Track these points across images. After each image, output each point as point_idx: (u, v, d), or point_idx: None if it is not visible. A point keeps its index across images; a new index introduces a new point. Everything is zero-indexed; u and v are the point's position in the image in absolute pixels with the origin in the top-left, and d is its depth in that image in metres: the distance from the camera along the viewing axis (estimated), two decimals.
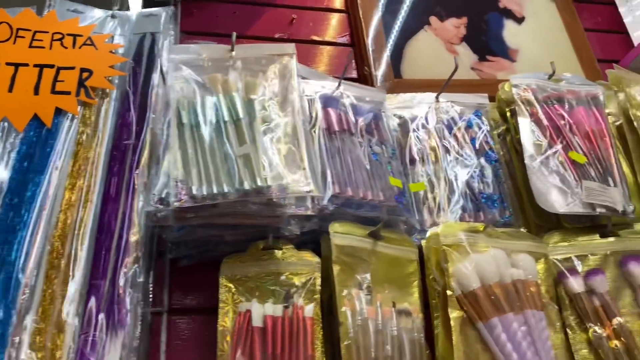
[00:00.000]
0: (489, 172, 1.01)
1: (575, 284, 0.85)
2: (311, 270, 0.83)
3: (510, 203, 0.98)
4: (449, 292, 0.81)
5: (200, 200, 0.78)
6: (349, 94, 1.03)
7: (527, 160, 0.93)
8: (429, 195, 0.98)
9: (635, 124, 1.00)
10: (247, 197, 0.79)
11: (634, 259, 0.86)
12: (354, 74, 1.23)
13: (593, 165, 0.93)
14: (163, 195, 0.79)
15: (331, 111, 0.97)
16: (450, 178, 1.00)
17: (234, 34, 0.94)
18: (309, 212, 0.84)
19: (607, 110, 1.08)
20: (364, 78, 1.21)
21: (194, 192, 0.78)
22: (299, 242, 0.91)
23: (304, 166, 0.83)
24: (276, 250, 0.85)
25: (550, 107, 1.00)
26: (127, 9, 1.16)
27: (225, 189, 0.78)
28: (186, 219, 0.81)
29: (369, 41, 1.23)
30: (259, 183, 0.79)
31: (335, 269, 0.81)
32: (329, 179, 0.88)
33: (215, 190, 0.78)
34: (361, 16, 1.27)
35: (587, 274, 0.86)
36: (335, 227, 0.84)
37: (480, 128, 1.06)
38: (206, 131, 0.84)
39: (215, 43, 1.03)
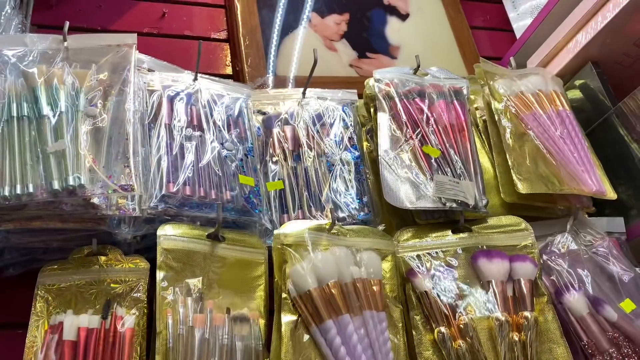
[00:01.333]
0: (351, 168, 0.97)
1: (423, 282, 0.81)
2: (138, 277, 0.77)
3: (370, 200, 0.95)
4: (283, 295, 0.76)
5: (0, 202, 0.70)
6: (209, 89, 0.98)
7: (381, 154, 0.90)
8: (287, 194, 0.93)
9: (495, 116, 0.98)
10: (57, 197, 0.72)
11: (484, 255, 0.84)
12: (229, 72, 1.19)
13: (448, 159, 0.90)
14: None
15: (179, 106, 0.91)
16: (312, 175, 0.95)
17: (67, 22, 0.87)
18: (136, 214, 0.77)
19: (475, 105, 1.07)
20: (237, 75, 1.16)
21: None
22: (141, 248, 0.85)
23: (128, 164, 0.76)
24: (100, 257, 0.77)
25: (410, 101, 0.97)
26: None
27: (31, 189, 0.71)
28: None
29: (244, 37, 1.18)
30: (71, 182, 0.72)
31: (159, 274, 0.74)
32: (164, 177, 0.81)
33: (19, 190, 0.71)
34: (237, 11, 1.22)
35: (435, 272, 0.82)
36: (165, 229, 0.78)
37: (345, 124, 1.02)
38: (19, 127, 0.76)
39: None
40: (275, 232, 0.83)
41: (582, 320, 0.81)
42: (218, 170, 0.87)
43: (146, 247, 0.85)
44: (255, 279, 0.82)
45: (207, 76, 1.00)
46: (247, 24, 1.21)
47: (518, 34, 1.41)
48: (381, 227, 0.92)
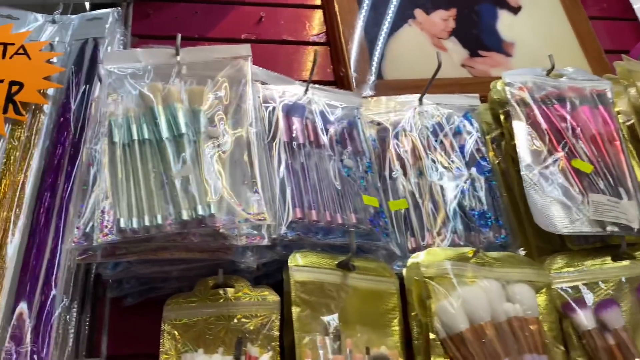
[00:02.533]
0: (481, 184, 0.88)
1: (585, 319, 0.71)
2: (269, 312, 0.70)
3: (507, 221, 0.85)
4: (431, 336, 0.67)
5: (129, 235, 0.65)
6: (319, 99, 0.90)
7: (523, 171, 0.80)
8: (412, 215, 0.85)
9: None
10: (186, 228, 0.66)
11: None
12: (331, 77, 1.11)
13: (601, 174, 0.80)
14: (88, 230, 0.66)
15: (295, 120, 0.84)
16: (437, 193, 0.86)
17: (179, 35, 0.81)
18: (264, 243, 0.71)
19: (616, 109, 0.94)
20: (341, 81, 1.09)
21: (122, 225, 0.65)
22: (260, 275, 0.79)
23: (256, 189, 0.70)
24: (228, 289, 0.72)
25: (549, 108, 0.86)
26: (76, 12, 1.04)
27: (160, 220, 0.66)
28: (116, 256, 0.68)
29: (346, 39, 1.10)
30: (200, 212, 0.66)
31: (295, 311, 0.68)
32: (289, 201, 0.75)
33: (147, 222, 0.66)
34: (337, 12, 1.14)
35: (599, 306, 0.72)
36: (295, 260, 0.71)
37: (470, 133, 0.92)
38: (141, 151, 0.71)
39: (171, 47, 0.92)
40: (411, 261, 0.75)
41: None
42: (341, 190, 0.80)
43: (265, 274, 0.79)
44: (389, 312, 0.75)
45: (317, 86, 0.93)
46: (348, 25, 1.13)
47: None
48: (521, 252, 0.82)
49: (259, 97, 0.85)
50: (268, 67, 0.93)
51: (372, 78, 1.07)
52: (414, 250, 0.81)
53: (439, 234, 0.83)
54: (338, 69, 1.10)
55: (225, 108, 0.78)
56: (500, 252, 0.77)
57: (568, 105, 0.86)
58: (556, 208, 0.77)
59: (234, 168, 0.73)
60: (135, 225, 0.65)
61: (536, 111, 0.86)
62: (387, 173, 0.89)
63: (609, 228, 0.75)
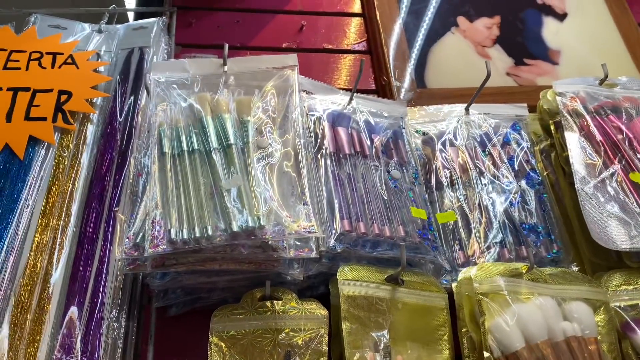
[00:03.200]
0: (531, 197, 0.85)
1: None
2: (318, 326, 0.69)
3: (559, 235, 0.82)
4: (486, 354, 0.65)
5: (180, 246, 0.65)
6: (364, 109, 0.89)
7: (578, 185, 0.77)
8: (461, 227, 0.83)
9: None
10: (236, 239, 0.66)
11: None
12: (372, 85, 1.10)
13: None
14: (138, 240, 0.66)
15: (341, 131, 0.83)
16: (486, 205, 0.84)
17: (226, 45, 0.81)
18: (314, 255, 0.70)
19: None
20: (383, 89, 1.08)
21: (172, 235, 0.65)
22: (304, 287, 0.78)
23: (305, 200, 0.69)
24: (275, 301, 0.71)
25: (603, 119, 0.83)
26: (119, 22, 1.05)
27: (210, 232, 0.65)
28: (166, 266, 0.68)
29: (388, 47, 1.09)
30: (250, 223, 0.65)
31: (345, 327, 0.66)
32: (337, 213, 0.74)
33: (197, 234, 0.65)
34: (379, 19, 1.13)
35: None
36: (345, 273, 0.70)
37: (519, 144, 0.90)
38: (190, 161, 0.71)
39: (216, 57, 0.92)
40: (462, 276, 0.73)
41: None
42: (388, 201, 0.79)
43: (309, 286, 0.78)
44: (438, 328, 0.73)
45: (361, 95, 0.91)
46: (390, 32, 1.12)
47: None
48: (574, 268, 0.80)
49: (304, 106, 0.84)
50: (309, 76, 0.92)
51: (415, 87, 1.05)
52: (463, 265, 0.79)
53: (488, 248, 0.81)
54: (380, 77, 1.09)
55: (273, 118, 0.77)
56: (555, 268, 0.75)
57: (624, 116, 0.83)
58: (614, 223, 0.74)
59: (282, 179, 0.72)
60: (185, 236, 0.65)
61: (590, 122, 0.83)
62: (433, 184, 0.87)
63: None
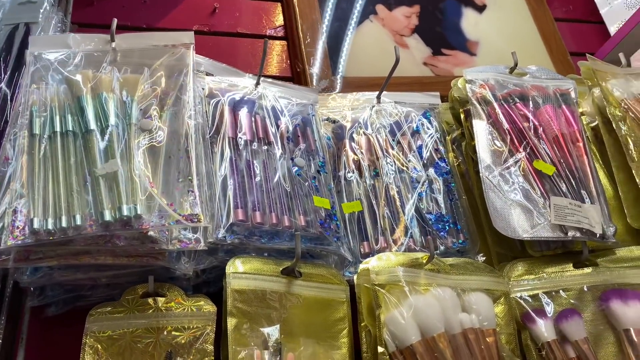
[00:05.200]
0: (439, 187, 0.83)
1: (544, 330, 0.67)
2: (204, 324, 0.64)
3: (466, 225, 0.80)
4: (379, 349, 0.62)
5: (43, 237, 0.58)
6: (272, 94, 0.84)
7: (483, 173, 0.75)
8: (367, 217, 0.80)
9: (614, 124, 0.82)
10: (108, 230, 0.59)
11: (618, 295, 0.69)
12: (288, 73, 1.06)
13: (564, 177, 0.75)
14: None
15: (243, 115, 0.78)
16: (393, 195, 0.81)
17: (114, 20, 0.75)
18: (201, 247, 0.64)
19: (580, 110, 0.91)
20: (298, 77, 1.03)
21: (35, 225, 0.58)
22: (201, 283, 0.72)
23: (192, 187, 0.64)
24: (159, 298, 0.65)
25: (511, 107, 0.82)
26: None
27: (79, 221, 0.59)
28: (31, 260, 0.61)
29: (304, 34, 1.05)
30: (125, 212, 0.59)
31: (230, 323, 0.61)
32: (231, 201, 0.68)
33: (64, 223, 0.59)
34: (296, 5, 1.09)
35: (559, 316, 0.68)
36: (235, 266, 0.65)
37: (429, 133, 0.88)
38: (63, 144, 0.64)
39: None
40: (362, 266, 0.69)
41: None
42: (290, 190, 0.74)
43: (206, 282, 0.73)
44: (337, 322, 0.69)
45: (269, 80, 0.87)
46: (308, 19, 1.07)
47: (610, 23, 1.24)
48: (480, 258, 0.78)
49: (203, 88, 0.79)
50: (222, 61, 0.87)
51: (330, 74, 1.02)
52: (366, 255, 0.76)
53: (394, 238, 0.78)
54: (295, 64, 1.05)
55: (162, 99, 0.71)
56: (457, 258, 0.72)
57: (531, 104, 0.82)
58: (516, 212, 0.72)
59: (168, 165, 0.66)
60: (50, 226, 0.58)
61: (497, 110, 0.81)
62: (342, 173, 0.84)
63: (570, 233, 0.71)
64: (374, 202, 0.80)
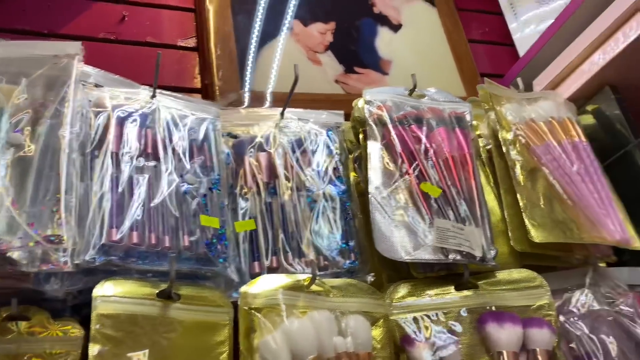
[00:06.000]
0: (335, 205, 0.83)
1: (421, 354, 0.67)
2: (68, 349, 0.61)
3: (358, 245, 0.80)
4: None
5: None
6: (169, 108, 0.82)
7: (371, 193, 0.76)
8: (261, 236, 0.78)
9: (504, 148, 0.85)
10: None
11: (494, 318, 0.70)
12: (198, 85, 1.04)
13: (450, 199, 0.77)
14: None
15: (130, 129, 0.76)
16: (289, 213, 0.81)
17: None
18: (68, 269, 0.62)
19: (478, 132, 0.93)
20: (206, 90, 1.02)
21: None
22: (81, 304, 0.69)
23: (58, 206, 0.61)
24: (22, 322, 0.62)
25: (405, 128, 0.83)
26: None
27: None
28: None
29: (215, 45, 1.03)
30: None
31: (93, 349, 0.59)
32: (106, 221, 0.66)
33: None
34: (209, 16, 1.07)
35: (436, 340, 0.68)
36: (103, 288, 0.63)
37: (330, 152, 0.88)
38: None
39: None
40: (242, 289, 0.68)
41: None
42: (175, 209, 0.72)
43: (86, 303, 0.70)
44: (218, 346, 0.67)
45: (167, 92, 0.85)
46: (220, 31, 1.06)
47: (520, 48, 1.29)
48: (370, 278, 0.78)
49: (90, 100, 0.76)
50: (128, 70, 0.85)
51: (239, 88, 1.01)
52: (257, 276, 0.74)
53: (286, 258, 0.77)
54: (204, 76, 1.03)
55: (39, 111, 0.68)
56: (341, 280, 0.72)
57: (425, 127, 0.83)
58: (401, 233, 0.73)
59: (39, 181, 0.63)
60: None
61: (392, 131, 0.82)
62: (237, 191, 0.83)
63: (451, 256, 0.72)
64: (267, 221, 0.79)
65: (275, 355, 0.61)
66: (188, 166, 0.78)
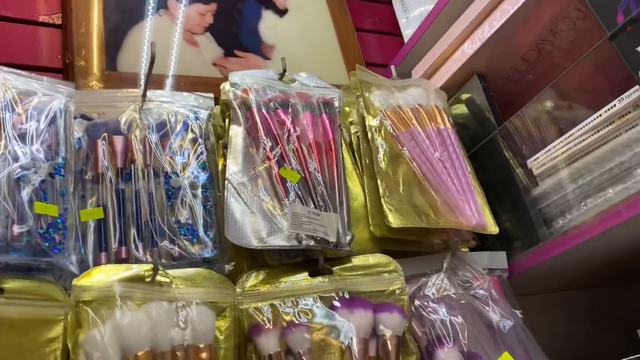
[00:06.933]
0: (196, 192, 0.79)
1: (269, 342, 0.65)
2: None
3: (218, 234, 0.77)
4: None
5: None
6: (13, 86, 0.75)
7: (229, 178, 0.73)
8: (110, 225, 0.73)
9: (369, 134, 0.84)
10: None
11: (345, 305, 0.69)
12: (59, 64, 0.96)
13: (309, 185, 0.75)
14: None
15: None
16: (143, 201, 0.76)
17: None
18: None
19: (350, 119, 0.93)
20: (67, 69, 0.94)
21: None
22: None
23: None
24: None
25: (270, 113, 0.80)
26: None
27: None
28: None
29: (78, 22, 0.96)
30: None
31: None
32: None
33: None
34: None
35: (285, 328, 0.66)
36: None
37: (194, 136, 0.83)
38: None
39: None
40: (74, 282, 0.63)
41: None
42: (5, 196, 0.66)
43: None
44: (48, 343, 0.62)
45: (10, 69, 0.77)
46: (85, 6, 0.99)
47: (407, 38, 1.30)
48: (229, 267, 0.75)
49: None
50: None
51: (103, 68, 0.94)
52: None
53: (137, 248, 0.72)
54: (65, 55, 0.96)
55: None
56: (190, 270, 0.69)
57: (290, 111, 0.81)
58: (256, 220, 0.71)
59: None
60: None
61: (256, 115, 0.79)
62: (89, 176, 0.77)
63: (304, 242, 0.70)
64: (116, 209, 0.74)
65: (100, 350, 0.56)
66: (27, 150, 0.71)
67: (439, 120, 0.90)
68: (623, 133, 0.74)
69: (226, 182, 0.73)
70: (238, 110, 0.81)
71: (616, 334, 0.96)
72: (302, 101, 0.84)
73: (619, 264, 0.92)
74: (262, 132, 0.78)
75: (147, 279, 0.64)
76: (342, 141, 0.87)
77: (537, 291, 0.99)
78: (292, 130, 0.79)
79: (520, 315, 0.80)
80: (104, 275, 0.63)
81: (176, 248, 0.73)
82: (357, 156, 0.88)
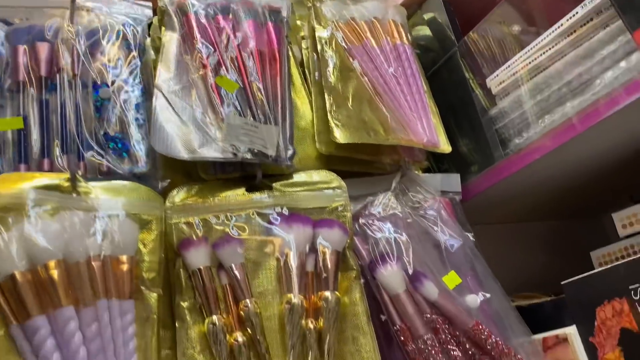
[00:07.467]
0: (128, 106, 0.73)
1: (198, 256, 0.61)
2: None
3: (151, 149, 0.71)
4: None
5: None
6: None
7: (157, 85, 0.67)
8: (32, 137, 0.68)
9: (319, 47, 0.78)
10: None
11: (285, 220, 0.65)
12: None
13: (249, 96, 0.70)
14: None
15: None
16: (69, 112, 0.70)
17: None
18: None
19: (302, 34, 0.86)
20: None
21: None
22: None
23: None
24: None
25: (209, 19, 0.74)
26: None
27: None
28: None
29: None
30: None
31: None
32: None
33: None
34: None
35: (216, 243, 0.63)
36: None
37: (127, 45, 0.77)
38: None
39: None
40: None
41: (397, 300, 0.66)
42: None
43: None
44: None
45: None
46: None
47: None
48: (164, 184, 0.70)
49: None
50: None
51: None
52: None
53: (60, 162, 0.67)
54: None
55: None
56: (115, 182, 0.64)
57: (231, 17, 0.75)
58: (187, 130, 0.65)
59: None
60: None
61: (193, 21, 0.73)
62: (8, 86, 0.70)
63: (240, 154, 0.65)
64: (37, 119, 0.68)
65: (4, 258, 0.52)
66: None
67: (396, 35, 0.84)
68: (585, 43, 0.69)
69: (155, 89, 0.67)
70: (173, 16, 0.74)
71: (572, 263, 0.95)
72: (245, 8, 0.77)
73: (576, 190, 0.90)
74: (198, 38, 0.72)
75: (65, 189, 0.59)
76: (292, 56, 0.82)
77: (492, 221, 0.97)
78: (232, 37, 0.73)
79: (472, 239, 0.77)
80: (16, 184, 0.58)
81: (105, 162, 0.69)
82: (307, 73, 0.83)
